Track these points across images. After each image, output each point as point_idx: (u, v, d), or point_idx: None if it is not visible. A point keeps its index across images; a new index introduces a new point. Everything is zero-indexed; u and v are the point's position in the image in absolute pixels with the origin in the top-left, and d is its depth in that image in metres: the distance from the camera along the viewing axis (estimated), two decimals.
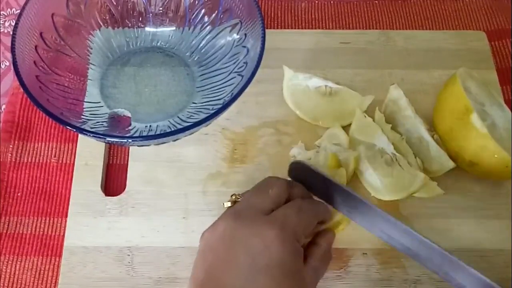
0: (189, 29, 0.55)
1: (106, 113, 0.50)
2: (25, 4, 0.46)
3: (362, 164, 0.48)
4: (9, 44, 0.45)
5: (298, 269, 0.38)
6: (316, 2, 0.62)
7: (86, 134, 0.41)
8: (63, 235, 0.47)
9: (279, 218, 0.38)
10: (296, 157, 0.50)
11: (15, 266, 0.47)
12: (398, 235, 0.42)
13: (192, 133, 0.45)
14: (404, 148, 0.48)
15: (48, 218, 0.49)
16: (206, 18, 0.54)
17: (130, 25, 0.55)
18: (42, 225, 0.48)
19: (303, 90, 0.52)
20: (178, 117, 0.50)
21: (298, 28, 0.60)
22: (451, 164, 0.47)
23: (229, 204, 0.42)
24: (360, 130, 0.49)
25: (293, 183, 0.43)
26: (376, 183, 0.47)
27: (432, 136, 0.48)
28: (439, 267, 0.41)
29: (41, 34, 0.48)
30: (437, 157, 0.47)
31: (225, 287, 0.36)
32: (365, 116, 0.50)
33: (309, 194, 0.45)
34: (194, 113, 0.50)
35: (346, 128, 0.50)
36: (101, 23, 0.54)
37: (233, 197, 0.42)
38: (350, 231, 0.46)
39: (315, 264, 0.41)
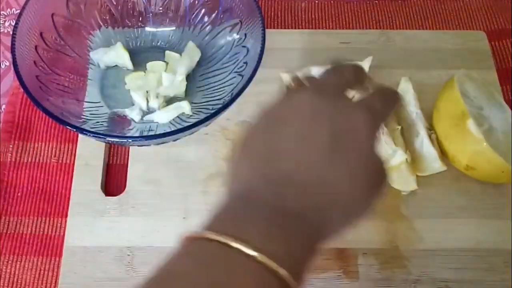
0: (189, 29, 0.55)
1: (106, 113, 0.50)
2: (25, 4, 0.46)
3: None
4: (9, 44, 0.45)
5: (380, 165, 0.31)
6: (316, 2, 0.62)
7: (86, 134, 0.42)
8: (63, 235, 0.47)
9: (367, 104, 0.32)
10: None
11: (15, 266, 0.47)
12: None
13: (192, 133, 0.45)
14: (397, 138, 0.48)
15: (48, 218, 0.49)
16: (206, 18, 0.54)
17: (130, 25, 0.55)
18: (42, 225, 0.48)
19: None
20: (178, 117, 0.50)
21: (298, 28, 0.60)
22: (438, 167, 0.47)
23: (287, 76, 0.38)
24: None
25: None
26: None
27: (430, 136, 0.48)
28: None
29: (41, 34, 0.48)
30: (427, 156, 0.47)
31: (295, 162, 0.30)
32: None
33: None
34: (194, 113, 0.50)
35: None
36: (101, 23, 0.54)
37: (291, 73, 0.38)
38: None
39: (369, 102, 0.33)
